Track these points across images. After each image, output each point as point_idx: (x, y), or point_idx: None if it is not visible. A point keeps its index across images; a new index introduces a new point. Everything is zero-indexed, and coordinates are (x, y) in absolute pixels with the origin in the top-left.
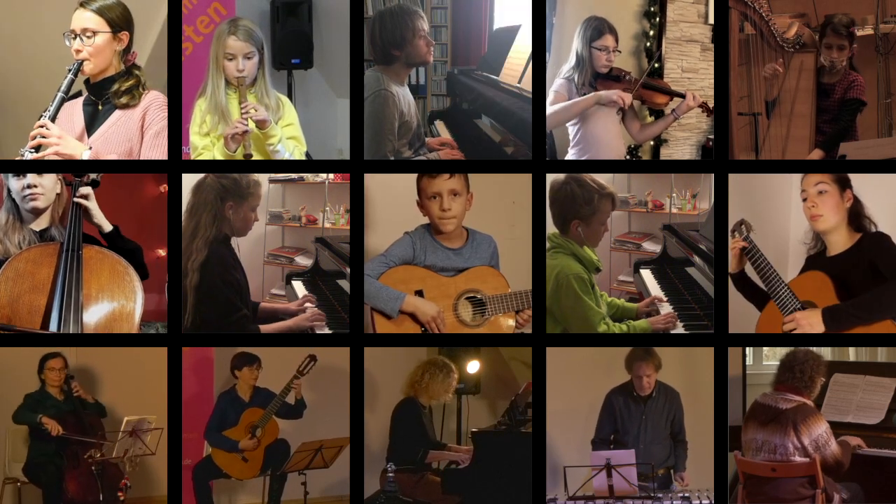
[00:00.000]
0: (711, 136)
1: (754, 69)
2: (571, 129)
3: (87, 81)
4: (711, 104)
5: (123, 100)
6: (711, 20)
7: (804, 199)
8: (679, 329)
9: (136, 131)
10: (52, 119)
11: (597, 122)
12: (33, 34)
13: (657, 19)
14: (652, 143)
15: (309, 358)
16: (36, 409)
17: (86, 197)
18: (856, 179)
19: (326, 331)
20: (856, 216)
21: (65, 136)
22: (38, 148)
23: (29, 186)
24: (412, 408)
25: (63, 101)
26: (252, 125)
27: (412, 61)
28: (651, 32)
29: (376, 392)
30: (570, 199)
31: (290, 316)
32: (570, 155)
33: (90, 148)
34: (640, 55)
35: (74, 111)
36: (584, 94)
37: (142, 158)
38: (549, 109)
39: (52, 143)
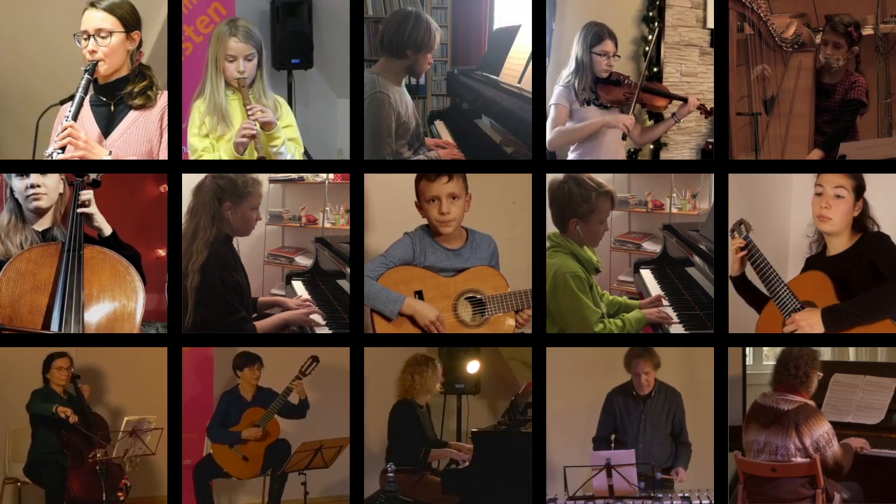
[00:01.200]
0: (711, 140)
1: (753, 69)
2: None
3: (95, 82)
4: (710, 106)
5: (138, 101)
6: (709, 25)
7: (818, 194)
8: (679, 329)
9: (155, 132)
10: (74, 118)
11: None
12: (33, 34)
13: (656, 24)
14: (651, 146)
15: (311, 359)
16: (45, 401)
17: (87, 204)
18: None
19: (326, 331)
20: (859, 219)
21: (90, 140)
22: (64, 148)
23: (32, 186)
24: (408, 409)
25: (83, 101)
26: (257, 126)
27: (413, 68)
28: (650, 37)
29: (375, 392)
30: (568, 198)
31: (286, 310)
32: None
33: (110, 152)
34: (640, 60)
35: (83, 111)
36: (585, 100)
37: (162, 158)
38: (555, 130)
39: (80, 147)
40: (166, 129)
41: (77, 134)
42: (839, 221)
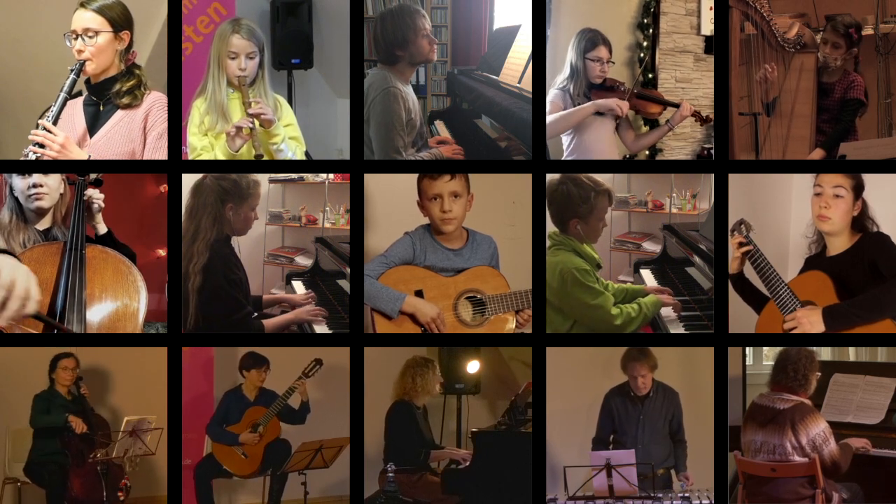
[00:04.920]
0: (707, 146)
1: (755, 69)
2: (565, 139)
3: (87, 81)
4: (705, 112)
5: (125, 100)
6: (704, 31)
7: (817, 194)
8: (679, 329)
9: (138, 132)
10: (55, 119)
11: (591, 132)
12: (33, 34)
13: (650, 31)
14: (647, 152)
15: (315, 362)
16: (48, 410)
17: (96, 197)
18: None
19: (326, 331)
20: (859, 218)
21: (69, 144)
22: (42, 145)
23: (34, 186)
24: (406, 410)
25: (66, 101)
26: (256, 123)
27: (415, 60)
28: (644, 44)
29: (374, 393)
30: (567, 199)
31: (292, 306)
32: None
33: (90, 156)
34: (634, 66)
35: (75, 111)
36: (580, 104)
37: (147, 158)
38: (547, 119)
39: (55, 150)
40: (150, 130)
41: (53, 139)
42: (839, 221)
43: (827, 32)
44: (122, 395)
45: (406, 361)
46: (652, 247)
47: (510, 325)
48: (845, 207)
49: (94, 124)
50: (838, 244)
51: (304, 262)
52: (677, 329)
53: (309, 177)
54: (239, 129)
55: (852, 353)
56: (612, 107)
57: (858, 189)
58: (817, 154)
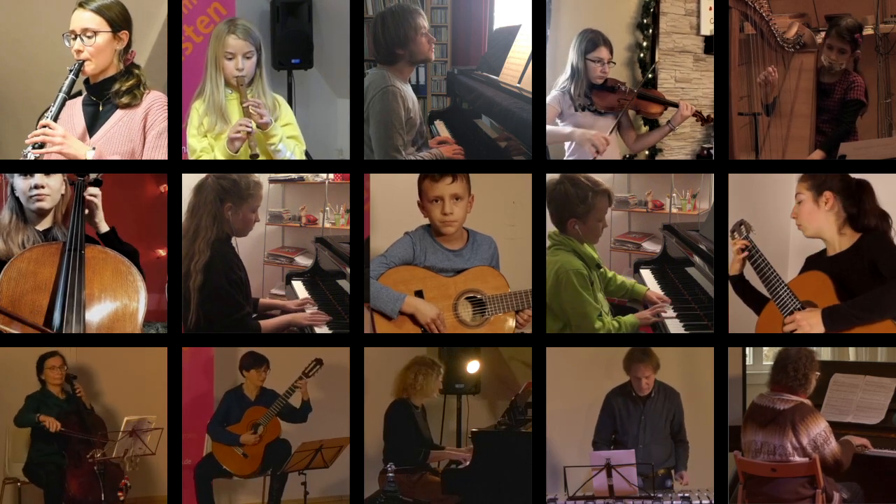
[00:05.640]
0: (707, 146)
1: (754, 69)
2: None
3: (86, 81)
4: (705, 112)
5: (125, 100)
6: (703, 31)
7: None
8: (679, 329)
9: (137, 132)
10: (55, 119)
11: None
12: (33, 34)
13: (650, 31)
14: (647, 152)
15: (315, 361)
16: (38, 410)
17: (94, 195)
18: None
19: (326, 331)
20: (859, 216)
21: (69, 136)
22: (41, 146)
23: (36, 187)
24: (405, 409)
25: (65, 101)
26: (253, 125)
27: (415, 59)
28: (644, 44)
29: (375, 393)
30: (565, 199)
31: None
32: None
33: (94, 148)
34: (634, 66)
35: (74, 111)
36: (580, 105)
37: (147, 158)
38: None
39: (56, 143)
40: (150, 129)
41: (52, 133)
42: (808, 224)
43: (832, 38)
44: (122, 395)
45: (414, 358)
46: (652, 247)
47: (510, 326)
48: (807, 208)
49: (93, 124)
50: (834, 244)
51: (304, 262)
52: (677, 329)
53: (309, 177)
54: (238, 133)
55: (852, 353)
56: (585, 147)
57: (819, 186)
58: (817, 155)
